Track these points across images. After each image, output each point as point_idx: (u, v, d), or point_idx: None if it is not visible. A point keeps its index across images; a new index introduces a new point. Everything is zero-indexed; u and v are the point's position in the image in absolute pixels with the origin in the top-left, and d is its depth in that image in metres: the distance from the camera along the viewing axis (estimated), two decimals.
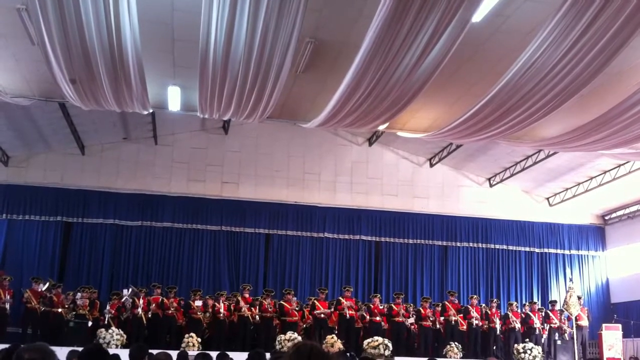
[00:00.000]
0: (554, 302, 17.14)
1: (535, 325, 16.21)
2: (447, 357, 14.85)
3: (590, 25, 8.10)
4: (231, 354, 7.74)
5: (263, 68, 9.67)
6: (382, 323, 15.57)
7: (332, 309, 15.32)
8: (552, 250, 20.08)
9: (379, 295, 16.38)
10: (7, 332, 14.11)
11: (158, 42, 10.81)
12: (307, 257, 18.67)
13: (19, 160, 17.46)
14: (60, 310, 14.52)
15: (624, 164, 16.71)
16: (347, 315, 15.09)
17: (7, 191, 17.28)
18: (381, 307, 15.84)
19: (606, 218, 20.50)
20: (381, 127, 13.72)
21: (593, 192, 18.52)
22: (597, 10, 7.82)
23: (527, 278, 19.82)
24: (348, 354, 10.54)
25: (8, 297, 14.19)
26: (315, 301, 15.35)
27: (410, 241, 19.33)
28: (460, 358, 14.91)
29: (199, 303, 14.98)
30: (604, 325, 16.68)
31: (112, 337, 13.44)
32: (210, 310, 15.11)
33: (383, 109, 11.16)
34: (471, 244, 19.58)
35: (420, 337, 15.83)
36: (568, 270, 19.74)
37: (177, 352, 7.66)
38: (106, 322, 14.48)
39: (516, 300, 18.16)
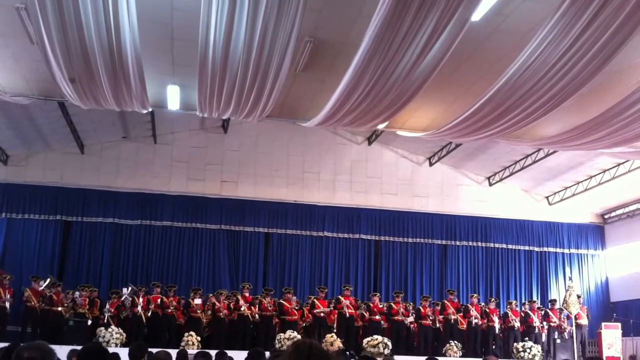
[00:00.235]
0: (553, 301, 17.15)
1: (534, 324, 16.22)
2: (446, 356, 14.86)
3: (589, 24, 8.11)
4: (231, 353, 7.76)
5: (262, 67, 9.67)
6: (382, 322, 15.59)
7: (331, 308, 15.34)
8: (552, 249, 20.09)
9: (378, 294, 16.39)
10: (6, 330, 14.11)
11: (157, 41, 10.81)
12: (306, 256, 18.69)
13: (19, 159, 17.47)
14: (59, 309, 14.52)
15: (624, 162, 16.72)
16: (347, 314, 15.10)
17: (6, 190, 17.28)
18: (381, 306, 15.85)
19: (605, 217, 20.51)
20: (380, 126, 13.73)
21: (592, 191, 18.53)
22: (596, 10, 7.82)
23: (527, 277, 19.84)
24: (347, 352, 10.55)
25: (8, 296, 14.20)
26: (314, 300, 15.36)
27: (410, 240, 19.34)
28: (459, 357, 14.93)
29: (198, 301, 15.00)
30: (603, 324, 16.69)
31: (112, 336, 13.45)
32: (209, 306, 15.12)
33: (382, 108, 11.16)
34: (471, 243, 19.59)
35: (420, 335, 15.85)
36: (567, 269, 19.74)
37: (177, 350, 7.66)
38: (106, 320, 14.49)
39: (516, 299, 18.16)
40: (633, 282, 18.93)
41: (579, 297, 16.52)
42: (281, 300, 15.22)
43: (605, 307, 19.64)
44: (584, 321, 16.43)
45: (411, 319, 15.88)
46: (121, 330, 13.79)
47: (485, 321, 16.16)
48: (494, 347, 16.15)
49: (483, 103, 10.85)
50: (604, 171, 17.63)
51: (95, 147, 17.77)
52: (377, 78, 9.76)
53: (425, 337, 15.83)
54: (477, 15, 8.98)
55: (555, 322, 16.44)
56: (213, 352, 7.16)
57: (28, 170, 17.45)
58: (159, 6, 9.82)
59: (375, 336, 14.37)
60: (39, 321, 14.38)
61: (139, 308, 14.64)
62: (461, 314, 16.16)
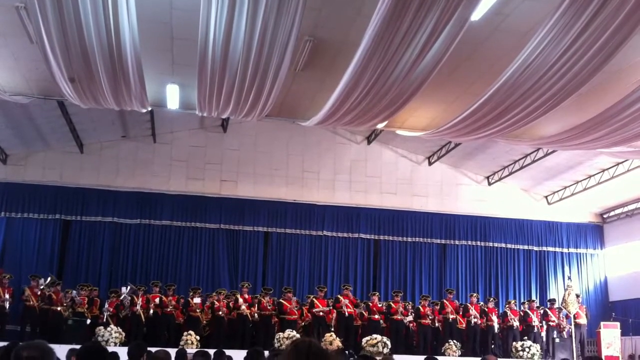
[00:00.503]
0: (552, 300, 17.17)
1: (533, 324, 16.23)
2: (445, 355, 14.86)
3: (589, 23, 8.11)
4: (230, 352, 7.76)
5: (262, 66, 9.67)
6: (381, 321, 15.60)
7: (330, 307, 15.34)
8: (551, 249, 20.11)
9: (377, 294, 16.39)
10: (5, 329, 14.11)
11: (157, 40, 10.80)
12: (306, 255, 18.70)
13: (18, 159, 17.47)
14: (59, 308, 14.52)
15: (623, 162, 16.73)
16: (346, 313, 15.11)
17: (5, 189, 17.28)
18: (380, 305, 15.86)
19: (604, 216, 20.52)
20: (380, 126, 13.73)
21: (591, 191, 18.54)
22: (595, 9, 7.82)
23: (526, 276, 19.86)
24: (347, 352, 10.55)
25: (7, 295, 14.19)
26: (314, 299, 15.36)
27: (409, 239, 19.35)
28: (458, 356, 14.94)
29: (197, 300, 15.00)
30: (602, 323, 16.69)
31: (111, 335, 13.45)
32: (208, 306, 15.13)
33: (382, 107, 11.16)
34: (470, 242, 19.60)
35: (419, 335, 15.86)
36: (566, 268, 19.77)
37: (176, 350, 7.66)
38: (105, 320, 14.48)
39: (515, 299, 18.17)
40: (632, 281, 18.94)
41: (577, 296, 16.52)
42: (281, 300, 15.22)
43: (604, 307, 19.66)
44: (582, 320, 16.44)
45: (410, 318, 15.90)
46: (120, 330, 13.79)
47: (484, 320, 16.17)
48: (493, 346, 16.16)
49: (482, 102, 10.85)
50: (603, 171, 17.64)
51: (94, 147, 17.76)
52: (376, 77, 9.76)
53: (425, 337, 15.84)
54: (476, 15, 8.98)
55: (554, 321, 16.45)
56: (212, 352, 7.15)
57: (27, 169, 17.45)
58: (158, 5, 9.81)
59: (375, 335, 14.37)
60: (38, 320, 14.38)
61: (138, 307, 14.65)
62: (460, 313, 16.17)
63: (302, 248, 18.71)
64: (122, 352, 6.04)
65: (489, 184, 19.78)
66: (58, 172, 17.52)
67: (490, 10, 9.32)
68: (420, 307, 16.04)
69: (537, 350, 15.17)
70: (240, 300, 15.04)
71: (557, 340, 16.06)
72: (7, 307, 14.19)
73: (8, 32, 10.62)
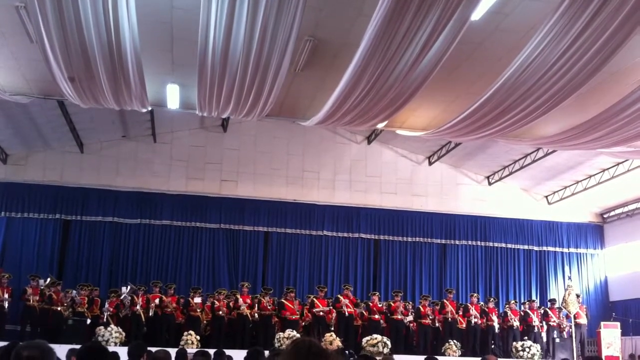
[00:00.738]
0: (552, 300, 17.17)
1: (533, 324, 16.23)
2: (445, 355, 14.86)
3: (588, 23, 8.11)
4: (230, 352, 7.77)
5: (262, 66, 9.66)
6: (381, 321, 15.59)
7: (330, 306, 15.34)
8: (551, 249, 20.11)
9: (377, 293, 16.38)
10: (5, 329, 14.11)
11: (157, 40, 10.80)
12: (306, 255, 18.69)
13: (18, 158, 17.46)
14: (59, 308, 14.51)
15: (623, 162, 16.73)
16: (346, 313, 15.10)
17: (5, 189, 17.27)
18: (380, 305, 15.85)
19: (605, 216, 20.52)
20: (380, 125, 13.73)
21: (592, 191, 18.54)
22: (595, 9, 7.82)
23: (526, 276, 19.85)
24: (347, 351, 10.57)
25: (6, 295, 14.19)
26: (314, 299, 15.36)
27: (409, 239, 19.35)
28: (458, 356, 14.94)
29: (197, 300, 15.00)
30: (602, 323, 16.69)
31: (111, 335, 13.45)
32: (208, 305, 15.13)
33: (382, 107, 11.16)
34: (470, 242, 19.60)
35: (419, 335, 15.86)
36: (567, 268, 19.76)
37: (176, 349, 7.66)
38: (105, 319, 14.48)
39: (515, 299, 18.17)
40: (632, 281, 18.94)
41: (578, 296, 16.52)
42: (282, 300, 15.22)
43: (605, 307, 19.66)
44: (583, 320, 16.45)
45: (410, 318, 15.90)
46: (120, 329, 13.79)
47: (485, 320, 16.18)
48: (493, 346, 16.15)
49: (482, 102, 10.85)
50: (603, 170, 17.64)
51: (94, 146, 17.76)
52: (376, 77, 9.76)
53: (425, 336, 15.84)
54: (476, 15, 8.98)
55: (554, 321, 16.45)
56: (212, 352, 7.16)
57: (27, 169, 17.45)
58: (158, 5, 9.81)
59: (375, 335, 14.38)
60: (38, 320, 14.37)
61: (138, 307, 14.65)
62: (460, 313, 16.16)
63: (302, 248, 18.71)
64: (122, 352, 6.04)
65: (489, 183, 19.78)
66: (58, 172, 17.52)
67: (490, 9, 9.32)
68: (420, 307, 16.04)
69: (538, 350, 15.17)
70: (240, 300, 15.04)
71: (557, 340, 16.06)
72: (7, 307, 14.18)
73: (8, 31, 10.63)
